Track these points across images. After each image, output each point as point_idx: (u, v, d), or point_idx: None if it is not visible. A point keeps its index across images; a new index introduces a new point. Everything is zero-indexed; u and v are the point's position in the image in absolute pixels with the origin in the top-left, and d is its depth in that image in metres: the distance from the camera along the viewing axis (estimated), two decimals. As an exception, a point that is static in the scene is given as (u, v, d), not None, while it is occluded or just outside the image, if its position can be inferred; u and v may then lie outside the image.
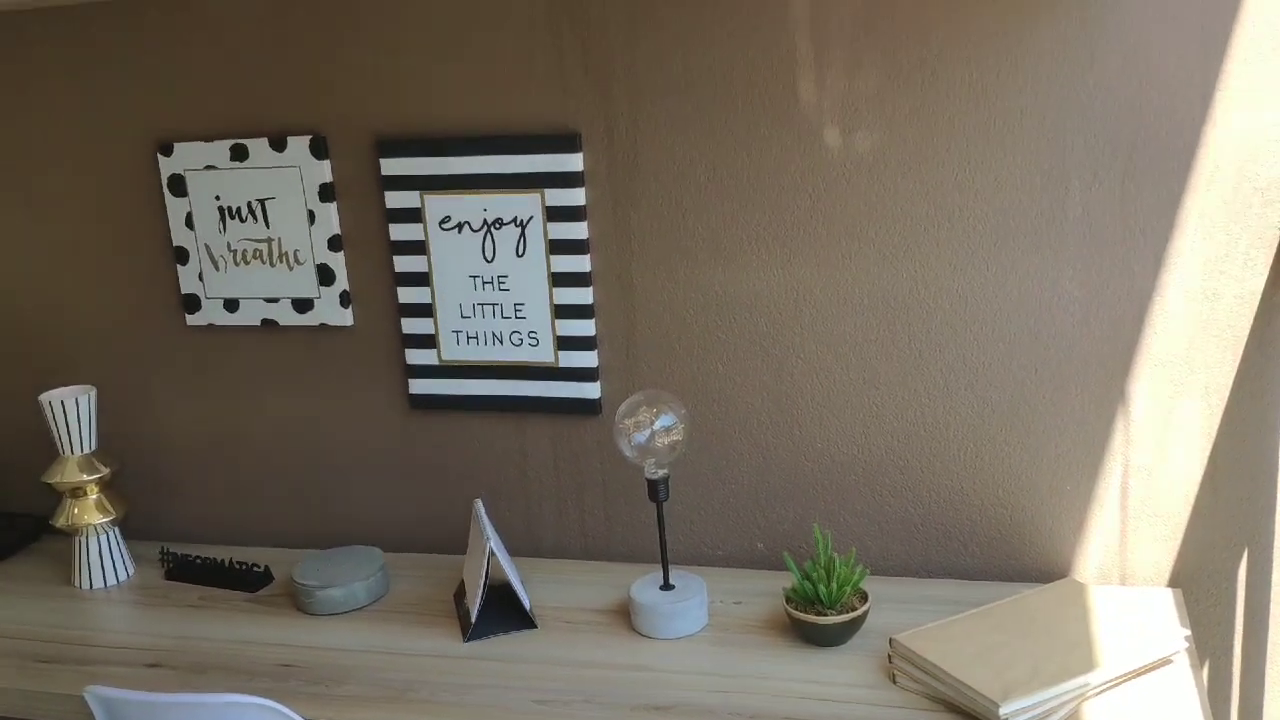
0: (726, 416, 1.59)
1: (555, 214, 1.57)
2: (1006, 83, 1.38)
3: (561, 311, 1.61)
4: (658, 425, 1.41)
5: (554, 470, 1.68)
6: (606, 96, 1.52)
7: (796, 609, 1.39)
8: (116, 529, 1.71)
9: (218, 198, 1.68)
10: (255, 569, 1.67)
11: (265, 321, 1.72)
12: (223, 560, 1.70)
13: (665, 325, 1.58)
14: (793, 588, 1.41)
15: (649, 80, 1.49)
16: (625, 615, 1.49)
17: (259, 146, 1.65)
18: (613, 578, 1.59)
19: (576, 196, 1.56)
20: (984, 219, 1.43)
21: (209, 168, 1.67)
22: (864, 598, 1.40)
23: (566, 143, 1.54)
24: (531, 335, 1.63)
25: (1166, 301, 1.40)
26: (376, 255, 1.66)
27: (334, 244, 1.67)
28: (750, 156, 1.49)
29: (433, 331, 1.67)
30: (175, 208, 1.70)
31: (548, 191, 1.57)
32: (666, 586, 1.47)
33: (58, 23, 1.68)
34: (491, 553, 1.48)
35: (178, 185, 1.69)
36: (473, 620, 1.47)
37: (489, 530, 1.51)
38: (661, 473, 1.43)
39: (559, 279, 1.60)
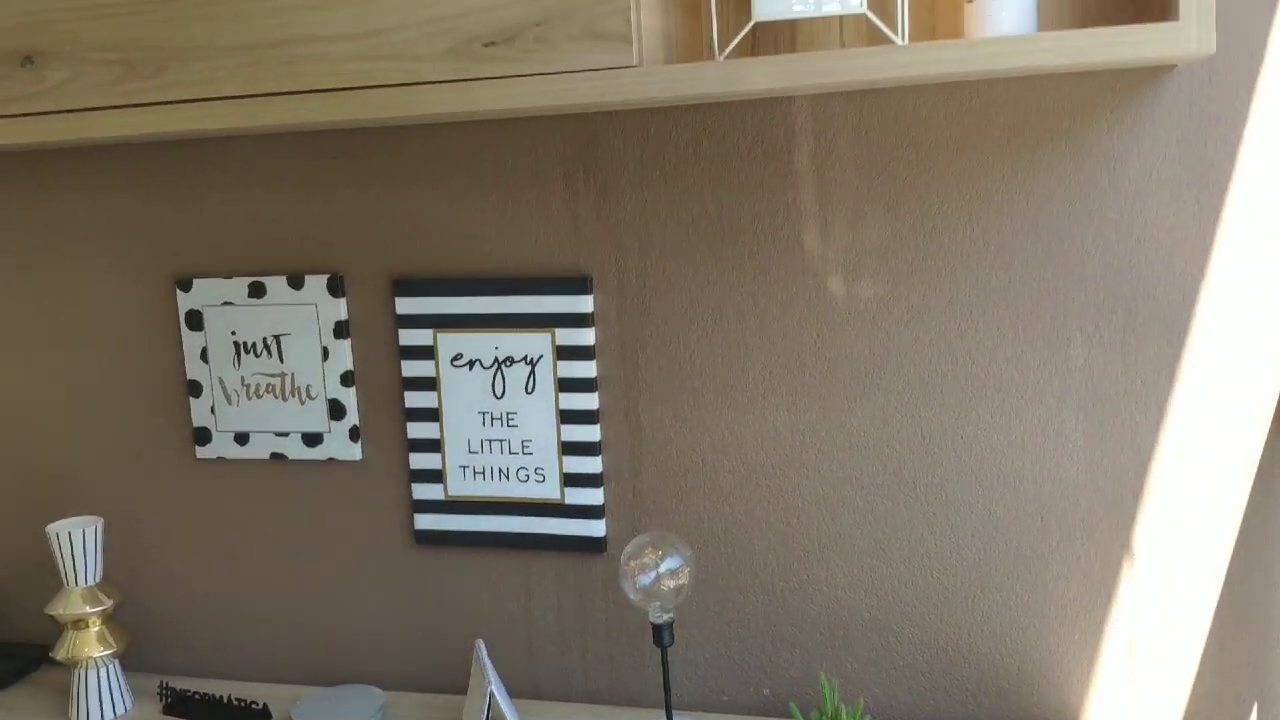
0: (733, 557, 1.58)
1: (565, 353, 1.60)
2: (1007, 238, 1.42)
3: (569, 448, 1.62)
4: (663, 568, 1.41)
5: (558, 609, 1.67)
6: (618, 241, 1.56)
7: (803, 760, 1.36)
8: (116, 662, 1.69)
9: (233, 333, 1.72)
10: (254, 706, 1.65)
11: (274, 455, 1.74)
12: (221, 696, 1.67)
13: (672, 464, 1.59)
14: (799, 738, 1.39)
15: (659, 227, 1.54)
16: (628, 763, 1.46)
17: (277, 284, 1.69)
18: (616, 722, 1.57)
19: (586, 336, 1.59)
20: (988, 367, 1.45)
21: (226, 303, 1.71)
22: (871, 749, 1.38)
23: (578, 285, 1.58)
24: (538, 471, 1.64)
25: (1169, 453, 1.41)
26: (387, 391, 1.69)
27: (346, 379, 1.69)
28: (756, 301, 1.52)
29: (440, 466, 1.68)
30: (191, 342, 1.73)
31: (558, 331, 1.60)
32: (670, 734, 1.45)
33: (83, 161, 1.74)
34: (492, 695, 1.46)
35: (195, 320, 1.73)
36: (473, 766, 1.45)
37: (490, 673, 1.49)
38: (666, 617, 1.42)
39: (567, 416, 1.62)
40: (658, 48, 1.29)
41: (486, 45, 1.28)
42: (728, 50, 1.33)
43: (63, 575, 1.65)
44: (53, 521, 1.79)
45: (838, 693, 1.41)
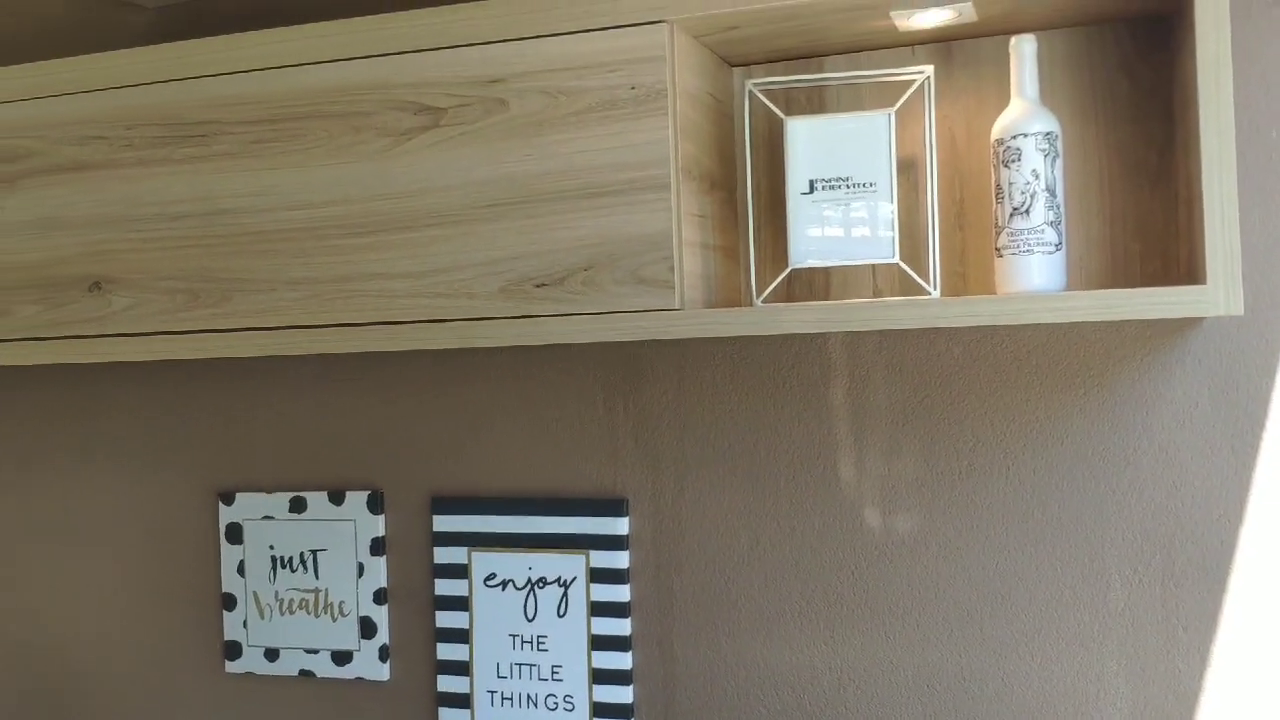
0: (766, 797, 1.53)
1: (598, 575, 1.60)
2: (1043, 478, 1.43)
3: (599, 676, 1.60)
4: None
5: (584, 846, 1.61)
6: (655, 466, 1.58)
7: None
8: None
9: (272, 547, 1.73)
10: None
11: (303, 672, 1.72)
12: None
13: (705, 696, 1.56)
14: None
15: (696, 453, 1.56)
16: None
17: (318, 499, 1.71)
18: None
19: (620, 559, 1.59)
20: (1026, 607, 1.44)
21: (267, 518, 1.73)
22: None
23: (613, 507, 1.59)
24: (567, 700, 1.61)
25: (1213, 699, 1.37)
26: (420, 610, 1.68)
27: (379, 597, 1.69)
28: (793, 530, 1.53)
29: (468, 691, 1.65)
30: (229, 555, 1.75)
31: (593, 553, 1.60)
32: None
33: (135, 374, 1.80)
34: None
35: (235, 533, 1.75)
36: None
37: None
38: None
39: (598, 642, 1.60)
40: (698, 288, 1.35)
41: (538, 286, 1.34)
42: (765, 294, 1.39)
43: (79, 794, 1.62)
44: (74, 735, 1.77)
45: None
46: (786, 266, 1.37)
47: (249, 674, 1.75)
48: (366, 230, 1.39)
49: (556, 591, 1.62)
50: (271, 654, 1.73)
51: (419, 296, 1.38)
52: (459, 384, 1.67)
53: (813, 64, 1.48)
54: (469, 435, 1.66)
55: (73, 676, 1.84)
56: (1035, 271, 1.28)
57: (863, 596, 1.50)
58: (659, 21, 1.27)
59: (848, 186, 1.34)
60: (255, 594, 1.74)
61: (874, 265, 1.47)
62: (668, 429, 1.58)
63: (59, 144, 1.50)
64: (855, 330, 1.45)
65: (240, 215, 1.43)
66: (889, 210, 1.32)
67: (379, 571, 1.69)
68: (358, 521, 1.70)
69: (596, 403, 1.61)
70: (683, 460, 1.57)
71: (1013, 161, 1.28)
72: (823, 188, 1.34)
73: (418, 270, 1.37)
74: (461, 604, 1.66)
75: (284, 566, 1.73)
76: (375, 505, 1.69)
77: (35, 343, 1.51)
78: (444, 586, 1.67)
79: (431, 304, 1.37)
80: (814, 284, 1.49)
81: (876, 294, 1.47)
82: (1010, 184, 1.28)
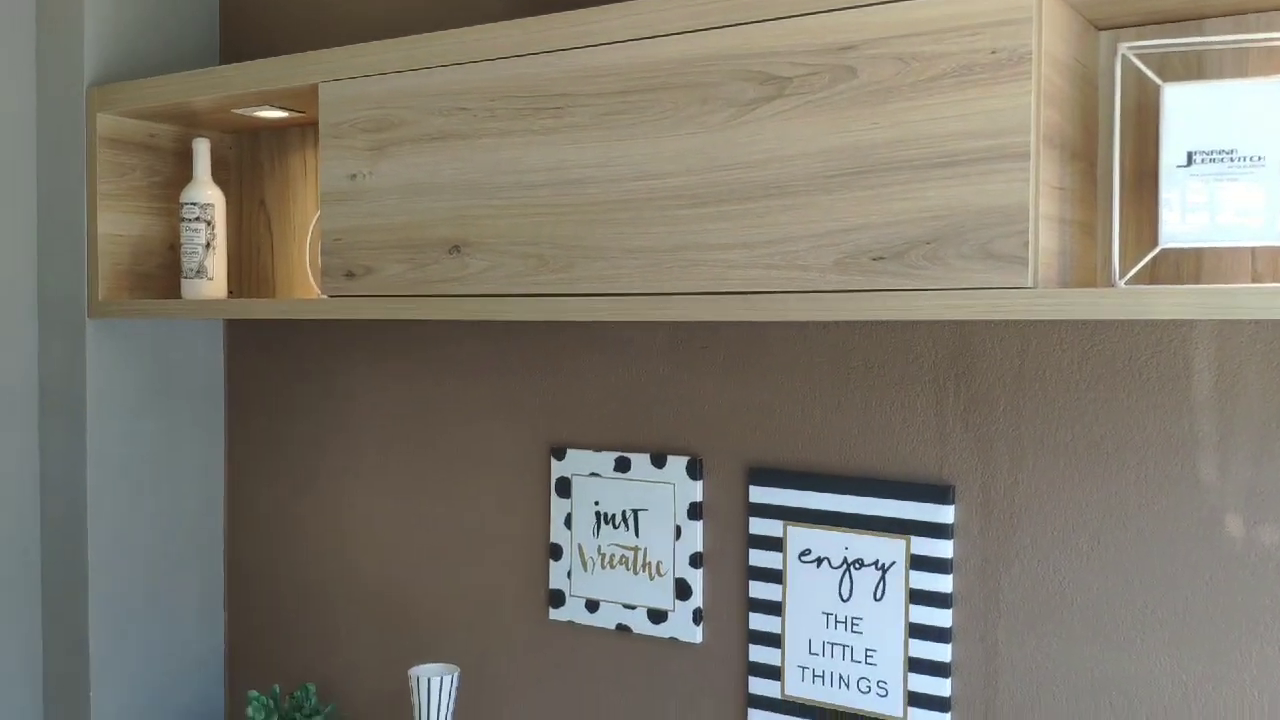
0: (1093, 813, 1.44)
1: (919, 563, 1.55)
2: None
3: (915, 665, 1.55)
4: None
5: (891, 835, 1.58)
6: (986, 453, 1.51)
7: None
8: (453, 810, 1.77)
9: (597, 503, 1.80)
10: None
11: (620, 626, 1.78)
12: None
13: (1030, 696, 1.48)
14: None
15: (1033, 441, 1.48)
16: None
17: (641, 461, 1.77)
18: None
19: (944, 548, 1.54)
20: None
21: (593, 475, 1.81)
22: None
23: (939, 494, 1.54)
24: (880, 685, 1.58)
25: None
26: (733, 578, 1.70)
27: (694, 561, 1.72)
28: (1140, 532, 1.41)
29: (779, 664, 1.65)
30: (558, 507, 1.84)
31: (914, 539, 1.55)
32: None
33: (484, 335, 1.92)
34: None
35: (564, 487, 1.84)
36: None
37: None
38: None
39: (916, 630, 1.55)
40: (1053, 266, 1.27)
41: (875, 259, 1.30)
42: (1129, 275, 1.28)
43: (416, 716, 1.76)
44: (416, 662, 1.92)
45: None
46: (1153, 246, 1.26)
47: (570, 623, 1.83)
48: (706, 201, 1.40)
49: (874, 574, 1.59)
50: (592, 605, 1.81)
51: (751, 268, 1.38)
52: (780, 356, 1.66)
53: (1189, 27, 1.35)
54: (789, 408, 1.66)
55: (411, 614, 2.00)
56: None
57: (1217, 609, 1.37)
58: (1026, -19, 1.20)
59: (1231, 160, 1.21)
60: (580, 546, 1.82)
61: (1253, 248, 1.33)
62: (1003, 415, 1.50)
63: (427, 114, 1.61)
64: (1228, 319, 1.32)
65: (587, 185, 1.48)
66: (1278, 187, 1.19)
67: (695, 536, 1.73)
68: (677, 486, 1.74)
69: (924, 383, 1.55)
70: (1018, 448, 1.49)
71: None
72: (1202, 160, 1.22)
73: (753, 241, 1.37)
74: (775, 576, 1.66)
75: (607, 523, 1.80)
76: (694, 471, 1.72)
77: (403, 299, 1.64)
78: (758, 557, 1.67)
79: (763, 275, 1.37)
80: (1182, 266, 1.37)
81: (1255, 279, 1.32)
82: None
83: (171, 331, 2.13)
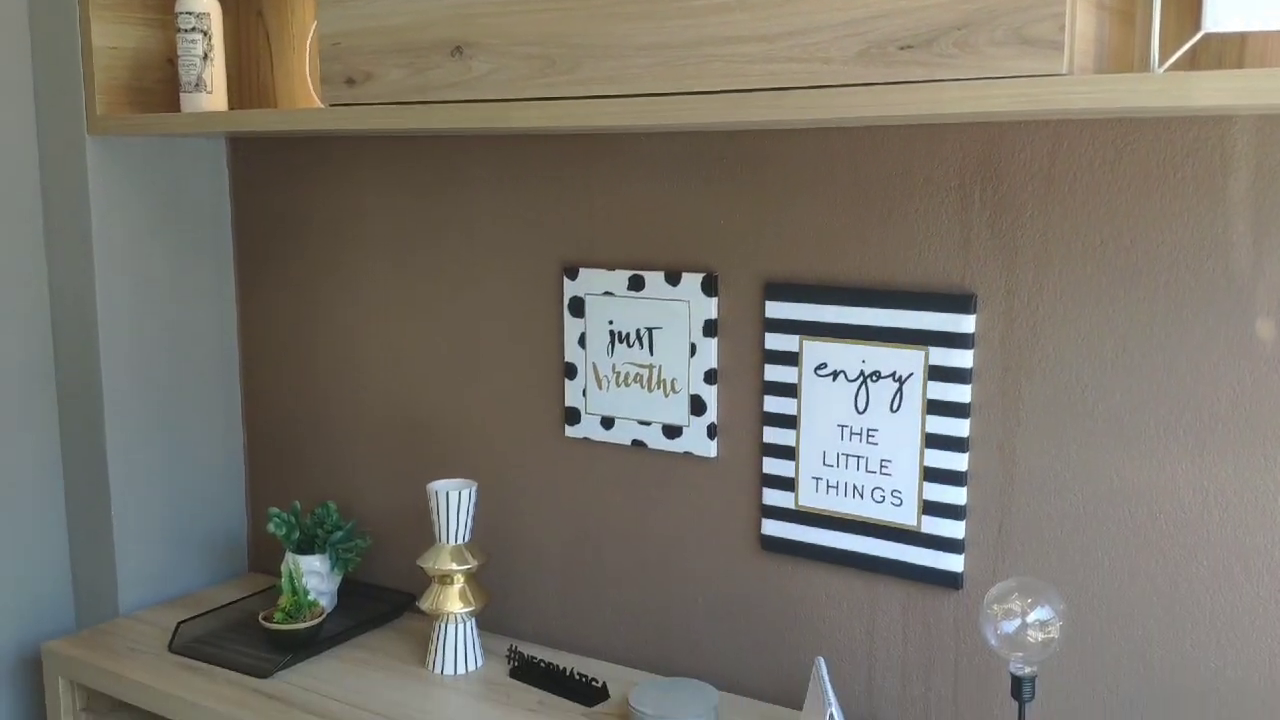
0: (1108, 617, 1.45)
1: (937, 373, 1.53)
2: None
3: (931, 474, 1.55)
4: (1031, 618, 1.31)
5: (902, 641, 1.60)
6: (1011, 260, 1.46)
7: None
8: (473, 620, 1.80)
9: (611, 322, 1.78)
10: (594, 683, 1.70)
11: (635, 442, 1.78)
12: (564, 668, 1.74)
13: (1047, 505, 1.48)
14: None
15: (1060, 247, 1.43)
16: (968, 816, 1.38)
17: (655, 279, 1.73)
18: (955, 769, 1.48)
19: (964, 358, 1.51)
20: None
21: (607, 293, 1.77)
22: None
23: (960, 303, 1.50)
24: (895, 494, 1.58)
25: None
26: (747, 393, 1.68)
27: (709, 377, 1.71)
28: (1167, 337, 1.38)
29: (793, 475, 1.65)
30: (571, 327, 1.81)
31: (933, 350, 1.52)
32: (1019, 794, 1.35)
33: (491, 148, 1.86)
34: (833, 718, 1.41)
35: (577, 307, 1.81)
36: (804, 786, 1.41)
37: (830, 695, 1.45)
38: (1030, 670, 1.32)
39: (932, 440, 1.54)
40: (1089, 54, 1.19)
41: (902, 49, 1.23)
42: (1169, 63, 1.21)
43: (436, 531, 1.78)
44: (433, 480, 1.94)
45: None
46: (1196, 31, 1.18)
47: (586, 439, 1.83)
48: (721, -10, 1.32)
49: (890, 386, 1.57)
50: (607, 422, 1.80)
51: (770, 62, 1.30)
52: (799, 166, 1.60)
53: None
54: (806, 219, 1.60)
55: (430, 431, 2.01)
56: None
57: (1244, 416, 1.34)
58: None
59: (1288, -69, 1.12)
60: (594, 365, 1.80)
61: (1307, 32, 1.24)
62: (1030, 220, 1.45)
63: (426, -93, 1.51)
64: (1270, 112, 1.25)
65: (595, -24, 1.40)
66: (1340, -40, 1.10)
67: (710, 352, 1.70)
68: (692, 303, 1.70)
69: (950, 189, 1.50)
70: (1045, 255, 1.44)
71: None
72: (1257, -68, 1.13)
73: (770, 33, 1.30)
74: (790, 390, 1.64)
75: (621, 341, 1.77)
76: (710, 288, 1.69)
77: (404, 107, 1.57)
78: (773, 372, 1.65)
79: (782, 70, 1.30)
80: (1224, 56, 1.29)
81: (1305, 68, 1.24)
82: None
83: (174, 152, 2.08)
